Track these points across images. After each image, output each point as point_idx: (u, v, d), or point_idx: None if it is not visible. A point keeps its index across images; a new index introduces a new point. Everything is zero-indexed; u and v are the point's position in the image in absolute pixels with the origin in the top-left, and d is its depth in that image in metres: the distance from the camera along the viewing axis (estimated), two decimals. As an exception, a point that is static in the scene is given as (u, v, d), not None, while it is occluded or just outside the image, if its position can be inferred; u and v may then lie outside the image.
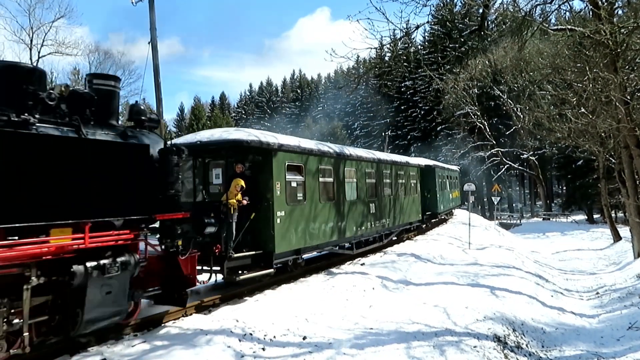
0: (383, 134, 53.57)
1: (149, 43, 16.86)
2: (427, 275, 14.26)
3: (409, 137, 72.68)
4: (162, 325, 8.35)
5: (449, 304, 11.03)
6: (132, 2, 17.26)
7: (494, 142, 52.35)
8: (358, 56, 69.77)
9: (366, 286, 11.95)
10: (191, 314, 9.00)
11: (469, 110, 50.05)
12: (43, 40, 40.98)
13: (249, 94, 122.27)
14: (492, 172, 55.61)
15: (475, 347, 8.55)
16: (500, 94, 47.18)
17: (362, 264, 14.68)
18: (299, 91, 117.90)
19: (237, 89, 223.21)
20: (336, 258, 14.89)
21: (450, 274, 14.65)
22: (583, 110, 19.87)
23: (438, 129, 65.53)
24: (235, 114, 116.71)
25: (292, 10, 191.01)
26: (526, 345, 9.79)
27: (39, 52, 41.07)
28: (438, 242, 20.94)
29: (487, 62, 46.36)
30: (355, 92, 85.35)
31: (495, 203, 41.86)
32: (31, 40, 40.73)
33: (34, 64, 40.12)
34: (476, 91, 49.78)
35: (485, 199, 65.46)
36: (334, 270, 13.67)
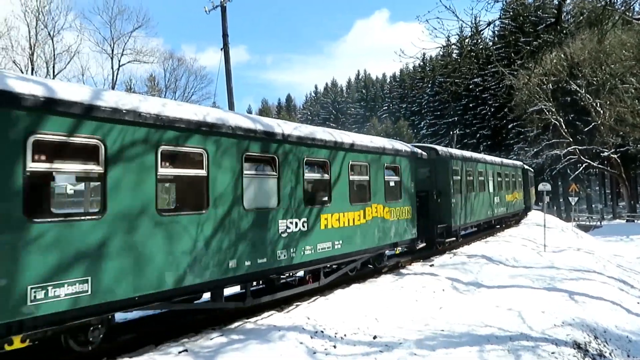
0: (451, 132, 52.29)
1: (221, 49, 17.59)
2: (500, 277, 13.83)
3: (478, 135, 70.64)
4: (237, 320, 8.70)
5: (523, 307, 10.66)
6: (206, 11, 18.05)
7: (571, 139, 49.63)
8: (424, 54, 68.50)
9: (436, 287, 11.79)
10: (264, 311, 9.33)
11: (543, 107, 47.78)
12: (123, 50, 43.80)
13: (314, 95, 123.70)
14: (568, 171, 52.83)
15: (553, 353, 8.23)
16: (578, 89, 44.69)
17: (431, 265, 14.49)
18: (364, 91, 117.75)
19: (302, 90, 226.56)
20: (405, 258, 14.77)
21: (524, 277, 14.12)
22: (672, 104, 18.45)
23: (509, 126, 63.24)
24: (301, 115, 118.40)
25: (349, 13, 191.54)
26: (610, 354, 9.28)
27: (119, 61, 43.90)
28: (510, 244, 20.21)
29: (562, 55, 44.08)
30: (421, 90, 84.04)
31: (573, 204, 39.77)
32: (112, 50, 43.64)
33: (115, 71, 42.92)
34: (551, 86, 47.42)
35: (561, 200, 62.29)
36: (402, 270, 13.60)
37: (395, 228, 13.11)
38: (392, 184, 13.19)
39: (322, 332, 8.18)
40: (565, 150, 50.09)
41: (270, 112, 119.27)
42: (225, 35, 17.82)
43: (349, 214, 11.12)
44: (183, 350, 7.03)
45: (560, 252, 19.82)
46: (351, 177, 11.36)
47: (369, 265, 12.80)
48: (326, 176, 10.50)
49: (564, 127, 48.93)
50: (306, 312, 9.05)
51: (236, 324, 8.45)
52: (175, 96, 47.90)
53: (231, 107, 17.40)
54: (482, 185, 21.33)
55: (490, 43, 68.59)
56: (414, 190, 14.40)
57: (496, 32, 68.03)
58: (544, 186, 22.21)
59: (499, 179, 24.32)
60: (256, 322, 8.54)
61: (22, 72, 39.36)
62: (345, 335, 8.24)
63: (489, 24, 10.48)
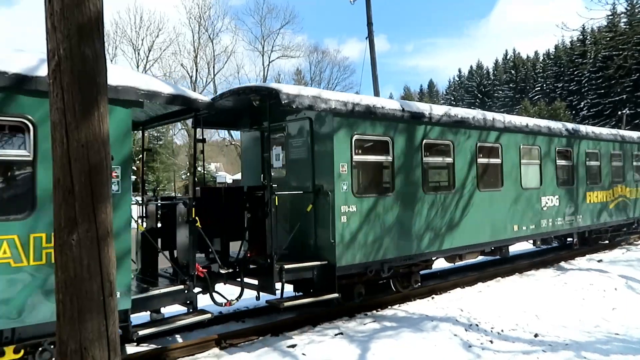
0: (619, 112, 46.38)
1: (366, 38, 17.76)
2: (688, 278, 11.96)
3: (653, 115, 61.69)
4: (389, 307, 8.79)
5: None
6: (350, 1, 18.34)
7: None
8: (584, 27, 61.21)
9: (606, 286, 10.60)
10: (415, 299, 9.29)
11: None
12: (272, 47, 46.84)
13: (458, 79, 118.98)
14: None
15: None
16: None
17: (599, 261, 13.08)
18: (512, 72, 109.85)
19: (445, 75, 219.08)
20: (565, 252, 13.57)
21: None
22: None
23: (695, 103, 54.15)
24: (444, 100, 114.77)
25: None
26: None
27: (269, 58, 46.97)
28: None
29: None
30: (582, 67, 75.81)
31: None
32: (263, 48, 46.85)
33: (266, 67, 45.82)
34: None
35: None
36: (564, 265, 12.51)
37: None
38: None
39: (476, 325, 7.89)
40: None
41: (412, 99, 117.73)
42: (369, 24, 17.93)
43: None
44: (339, 333, 7.32)
45: None
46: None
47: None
48: None
49: None
50: (459, 304, 8.82)
51: (388, 311, 8.54)
52: (319, 88, 49.78)
53: (377, 94, 17.52)
54: (492, 176, 11.12)
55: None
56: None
57: (678, -7, 58.42)
58: None
59: (566, 163, 13.32)
60: (407, 310, 8.54)
61: (189, 74, 44.11)
62: (502, 330, 7.83)
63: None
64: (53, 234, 2.97)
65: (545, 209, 12.16)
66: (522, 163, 11.70)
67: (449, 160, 10.01)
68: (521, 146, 11.71)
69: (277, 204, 7.59)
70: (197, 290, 6.93)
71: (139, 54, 45.64)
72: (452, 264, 10.98)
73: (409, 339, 7.11)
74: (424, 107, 9.73)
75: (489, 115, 11.17)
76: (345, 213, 7.98)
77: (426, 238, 9.29)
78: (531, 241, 12.62)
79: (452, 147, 9.99)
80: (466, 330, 7.63)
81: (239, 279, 7.66)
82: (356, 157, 8.31)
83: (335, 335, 7.27)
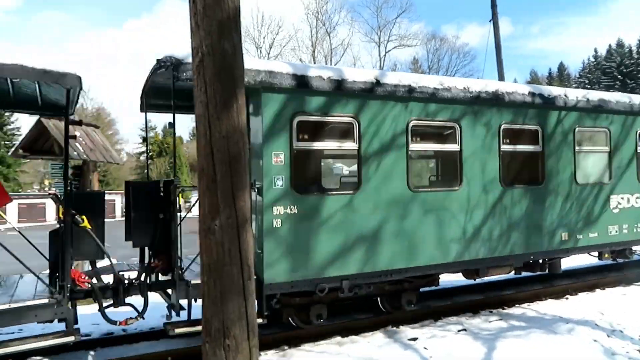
0: None
1: (489, 21, 16.86)
2: None
3: None
4: (516, 305, 8.30)
5: None
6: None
7: None
8: None
9: None
10: (546, 299, 8.68)
11: None
12: (388, 37, 46.43)
13: (593, 60, 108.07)
14: None
15: None
16: None
17: None
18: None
19: (577, 57, 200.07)
20: None
21: None
22: None
23: None
24: (576, 84, 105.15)
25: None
26: None
27: (385, 48, 46.62)
28: None
29: None
30: None
31: None
32: (379, 38, 46.64)
33: (382, 57, 45.57)
34: None
35: None
36: None
37: None
38: None
39: (620, 332, 7.13)
40: None
41: (540, 84, 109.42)
42: (494, 6, 17.00)
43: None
44: (462, 330, 7.07)
45: None
46: None
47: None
48: None
49: None
50: (598, 307, 8.06)
51: (515, 309, 8.08)
52: (438, 75, 48.45)
53: (501, 79, 16.58)
54: (531, 168, 8.53)
55: None
56: None
57: None
58: None
59: None
60: (538, 310, 8.00)
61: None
62: (652, 339, 7.00)
63: None
64: (199, 220, 3.21)
65: (616, 211, 9.29)
66: (577, 151, 8.68)
67: (456, 147, 7.49)
68: (576, 129, 8.72)
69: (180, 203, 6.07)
70: (101, 304, 5.75)
71: (260, 51, 47.91)
72: (474, 279, 8.39)
73: (539, 340, 6.64)
74: (411, 78, 7.25)
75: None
76: (279, 215, 6.13)
77: (415, 247, 7.05)
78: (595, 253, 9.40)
79: (460, 130, 7.49)
80: (608, 336, 6.93)
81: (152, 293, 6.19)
82: (299, 144, 6.38)
83: (459, 331, 7.02)
